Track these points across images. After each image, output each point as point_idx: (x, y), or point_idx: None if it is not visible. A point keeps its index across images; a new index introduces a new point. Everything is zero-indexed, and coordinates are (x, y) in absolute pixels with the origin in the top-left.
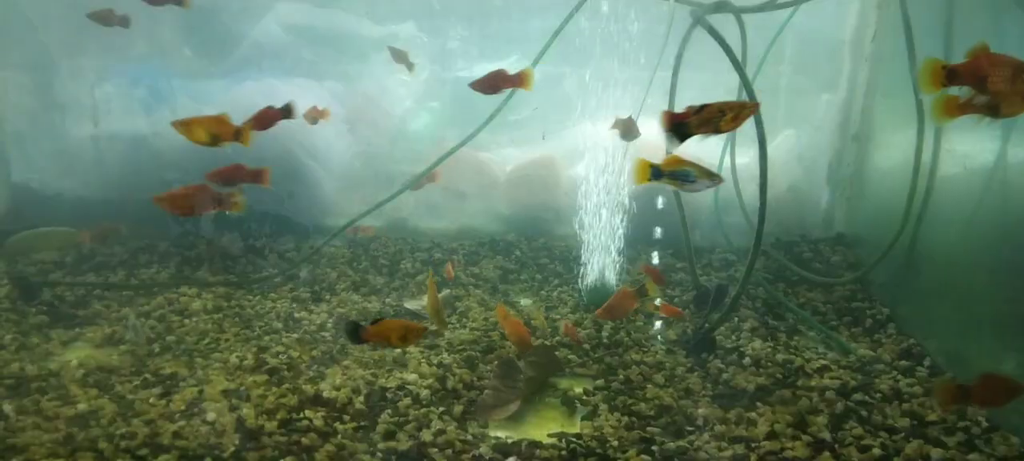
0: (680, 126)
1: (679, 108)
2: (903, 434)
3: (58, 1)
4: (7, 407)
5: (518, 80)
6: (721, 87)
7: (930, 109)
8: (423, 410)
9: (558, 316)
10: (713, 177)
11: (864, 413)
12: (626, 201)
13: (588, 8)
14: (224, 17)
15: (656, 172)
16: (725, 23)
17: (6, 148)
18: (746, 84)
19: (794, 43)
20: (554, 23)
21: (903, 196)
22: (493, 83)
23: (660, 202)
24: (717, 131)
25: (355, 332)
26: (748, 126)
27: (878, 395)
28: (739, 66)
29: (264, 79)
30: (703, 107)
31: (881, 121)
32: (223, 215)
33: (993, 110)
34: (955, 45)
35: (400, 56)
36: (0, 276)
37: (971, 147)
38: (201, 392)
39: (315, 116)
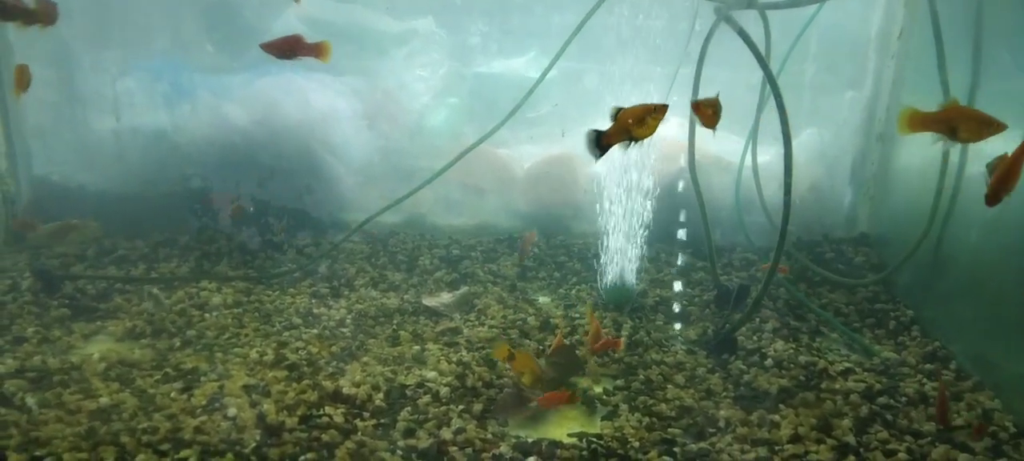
0: (599, 136)
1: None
2: (929, 439)
3: None
4: (30, 400)
5: (316, 50)
6: (742, 84)
7: (896, 121)
8: (443, 408)
9: (577, 315)
10: None
11: (889, 417)
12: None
13: (610, 4)
14: (245, 12)
15: None
16: (749, 19)
17: (28, 141)
18: (771, 80)
19: (819, 40)
20: (576, 18)
21: (929, 196)
22: (287, 47)
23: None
24: (633, 139)
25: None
26: (771, 123)
27: (903, 399)
28: (764, 62)
29: (284, 74)
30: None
31: None
32: (242, 210)
33: (953, 132)
34: (984, 43)
35: None
36: (22, 269)
37: (1000, 146)
38: (222, 387)
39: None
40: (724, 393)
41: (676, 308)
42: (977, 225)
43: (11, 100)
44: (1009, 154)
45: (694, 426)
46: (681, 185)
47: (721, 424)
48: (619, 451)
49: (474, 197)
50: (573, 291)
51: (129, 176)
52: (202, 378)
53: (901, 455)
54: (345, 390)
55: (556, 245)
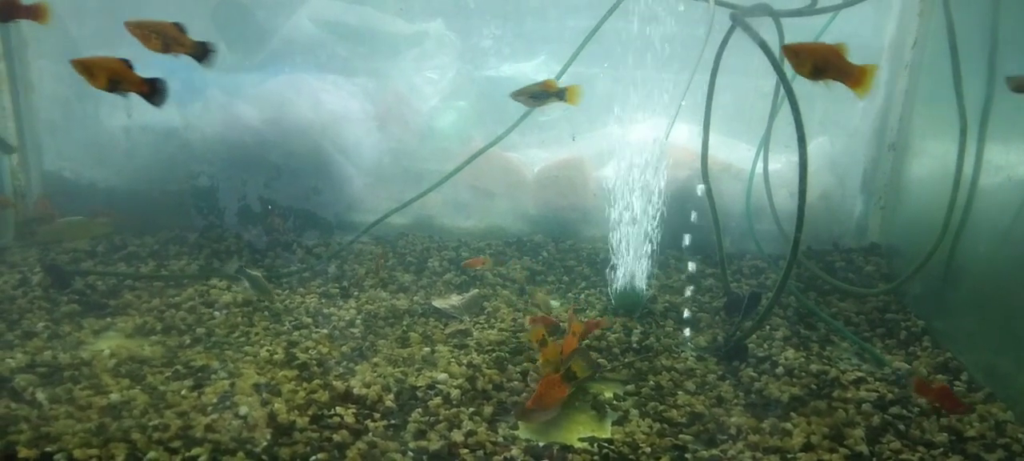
0: None
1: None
2: (942, 449)
3: None
4: (40, 395)
5: (33, 12)
6: (754, 91)
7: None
8: (453, 410)
9: (586, 319)
10: None
11: (902, 427)
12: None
13: (623, 9)
14: (258, 12)
15: None
16: (762, 26)
17: (39, 137)
18: (786, 87)
19: None
20: (589, 23)
21: (941, 207)
22: (3, 7)
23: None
24: None
25: None
26: (783, 130)
27: (916, 409)
28: (780, 68)
29: (296, 74)
30: None
31: (920, 129)
32: (248, 209)
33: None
34: (999, 53)
35: None
36: (33, 264)
37: (1014, 158)
38: (232, 385)
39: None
40: (735, 400)
41: (686, 314)
42: (989, 237)
43: (24, 96)
44: None
45: (705, 433)
46: (692, 192)
47: (732, 431)
48: (630, 456)
49: (483, 200)
50: (582, 295)
51: (139, 173)
52: (212, 376)
53: None
54: (356, 391)
55: (565, 249)
